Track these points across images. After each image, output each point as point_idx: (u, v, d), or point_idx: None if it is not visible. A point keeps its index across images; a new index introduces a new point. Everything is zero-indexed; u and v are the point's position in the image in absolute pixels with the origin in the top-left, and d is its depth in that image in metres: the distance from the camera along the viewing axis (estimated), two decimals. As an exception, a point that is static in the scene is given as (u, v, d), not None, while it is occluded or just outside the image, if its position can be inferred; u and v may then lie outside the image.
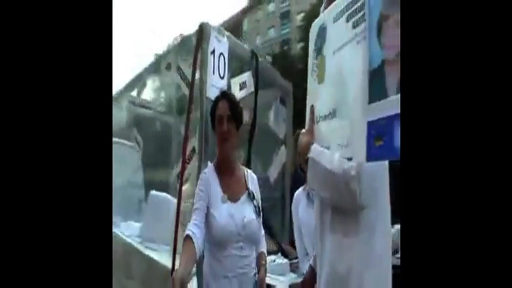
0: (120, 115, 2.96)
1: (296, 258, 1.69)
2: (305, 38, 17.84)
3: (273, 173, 2.31)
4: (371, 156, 0.85)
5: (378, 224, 1.01)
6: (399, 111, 0.76)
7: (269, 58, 19.77)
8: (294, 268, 1.74)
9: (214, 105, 1.43)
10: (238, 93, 1.83)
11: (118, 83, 2.93)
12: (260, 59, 1.99)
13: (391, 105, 0.80)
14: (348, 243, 1.00)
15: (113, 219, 2.66)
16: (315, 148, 1.05)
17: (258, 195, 1.47)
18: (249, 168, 1.82)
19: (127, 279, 2.28)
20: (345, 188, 0.95)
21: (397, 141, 0.77)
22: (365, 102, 0.90)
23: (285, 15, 26.38)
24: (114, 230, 2.52)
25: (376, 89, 0.86)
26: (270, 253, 1.79)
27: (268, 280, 1.55)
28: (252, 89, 1.92)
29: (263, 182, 2.30)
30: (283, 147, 2.35)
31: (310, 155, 1.04)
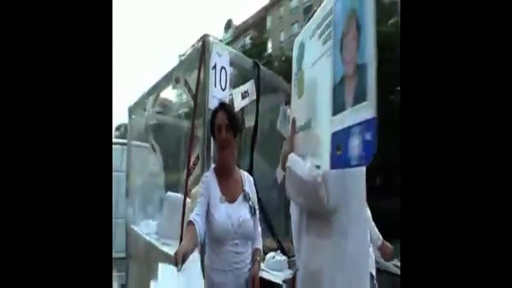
0: (140, 120, 3.17)
1: (294, 255, 1.79)
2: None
3: (280, 174, 2.41)
4: (333, 164, 0.94)
5: (350, 227, 1.06)
6: (355, 123, 0.85)
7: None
8: (292, 265, 1.85)
9: (213, 116, 1.58)
10: (240, 102, 1.96)
11: (140, 89, 3.15)
12: (262, 68, 2.09)
13: (349, 117, 0.89)
14: (321, 245, 1.08)
15: (134, 218, 2.88)
16: (292, 157, 1.15)
17: (254, 196, 1.60)
18: (252, 171, 1.95)
19: (148, 273, 2.48)
20: (314, 194, 1.03)
21: (352, 151, 0.86)
22: (330, 114, 0.99)
23: (308, 10, 26.09)
24: (135, 228, 2.73)
25: (338, 102, 0.95)
26: (270, 250, 1.91)
27: (266, 275, 1.67)
28: (254, 97, 2.03)
29: (271, 183, 2.42)
30: (289, 149, 2.44)
31: (287, 164, 1.14)
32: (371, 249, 1.69)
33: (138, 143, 3.32)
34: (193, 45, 2.13)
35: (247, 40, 24.39)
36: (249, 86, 2.02)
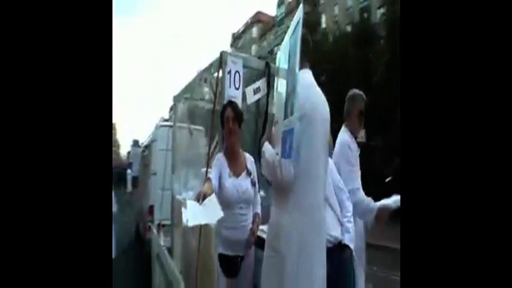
0: (183, 107, 3.79)
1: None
2: (385, 4, 16.59)
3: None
4: (282, 154, 1.38)
5: (305, 200, 1.42)
6: (289, 128, 1.27)
7: (348, 28, 19.13)
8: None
9: (223, 110, 2.08)
10: (252, 97, 2.42)
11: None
12: (272, 66, 2.52)
13: (288, 124, 1.31)
14: (281, 212, 1.50)
15: (180, 189, 3.52)
16: (265, 145, 1.59)
17: (254, 172, 2.10)
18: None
19: (185, 230, 3.09)
20: (273, 173, 1.47)
21: (287, 147, 1.28)
22: (283, 118, 1.41)
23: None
24: (177, 196, 3.37)
25: (286, 110, 1.38)
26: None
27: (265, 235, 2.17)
28: (265, 92, 2.48)
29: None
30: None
31: (262, 149, 1.59)
32: (351, 225, 1.93)
33: (182, 125, 3.93)
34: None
35: (301, 15, 23.94)
36: (261, 83, 2.46)
